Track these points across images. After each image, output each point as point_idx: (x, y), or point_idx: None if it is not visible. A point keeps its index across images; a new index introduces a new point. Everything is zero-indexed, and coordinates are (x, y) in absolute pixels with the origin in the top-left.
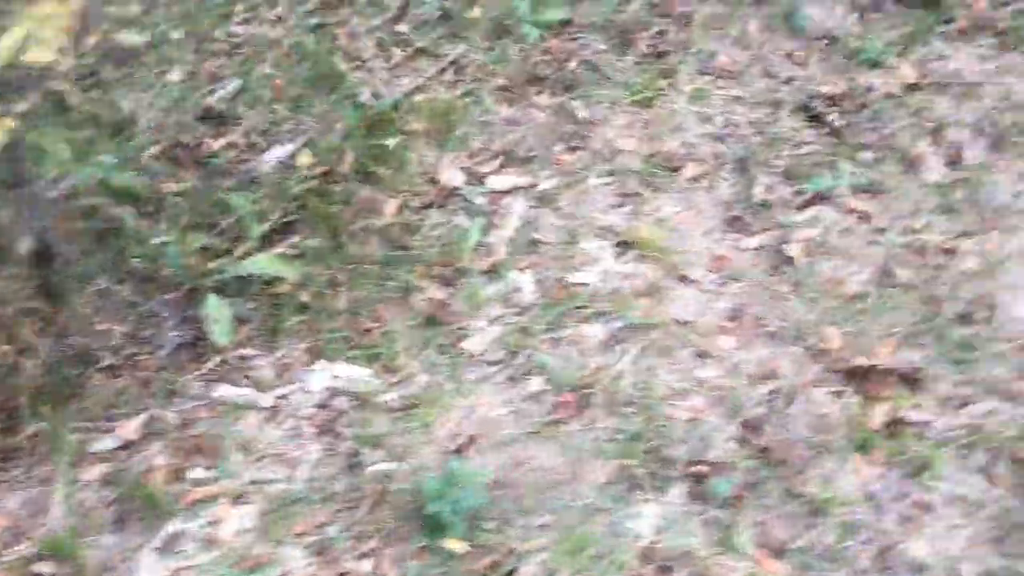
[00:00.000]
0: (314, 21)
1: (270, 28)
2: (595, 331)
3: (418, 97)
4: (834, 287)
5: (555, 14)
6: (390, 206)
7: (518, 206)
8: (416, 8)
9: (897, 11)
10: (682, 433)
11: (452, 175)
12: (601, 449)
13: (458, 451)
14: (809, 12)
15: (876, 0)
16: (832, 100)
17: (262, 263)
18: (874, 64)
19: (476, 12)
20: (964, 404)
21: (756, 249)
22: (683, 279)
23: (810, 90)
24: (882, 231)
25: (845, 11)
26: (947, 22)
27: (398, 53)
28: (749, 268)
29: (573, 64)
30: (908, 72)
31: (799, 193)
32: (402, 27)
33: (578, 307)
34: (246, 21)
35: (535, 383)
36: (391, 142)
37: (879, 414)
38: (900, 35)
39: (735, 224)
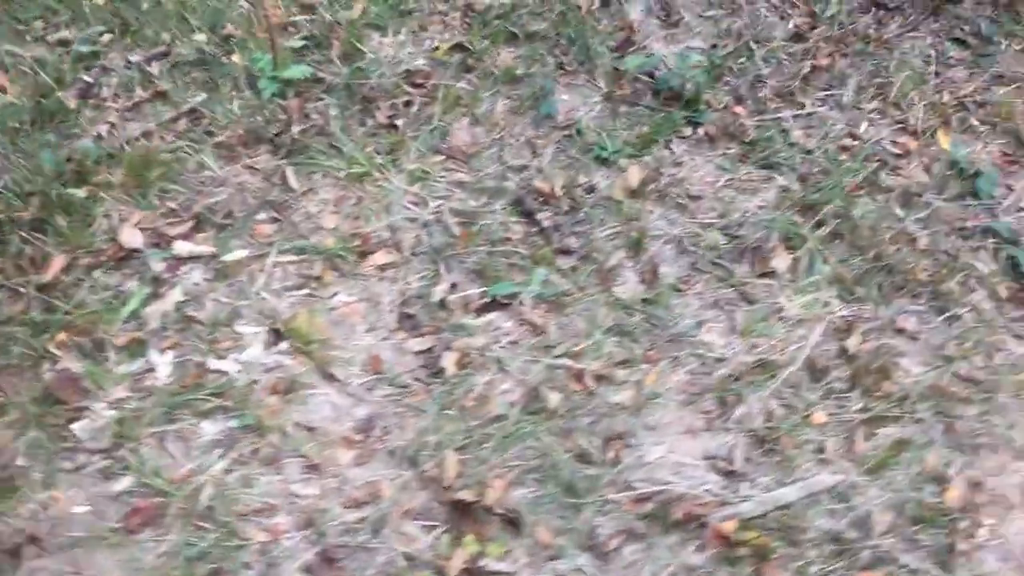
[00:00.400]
0: (87, 49)
1: (47, 50)
2: (209, 428)
3: (132, 145)
4: (478, 406)
5: (298, 71)
6: (56, 263)
7: (192, 277)
8: (180, 48)
9: (654, 107)
10: (252, 557)
11: (133, 235)
12: (162, 567)
13: (15, 551)
14: (561, 98)
15: (635, 93)
16: (549, 197)
17: None
18: (606, 162)
19: (235, 59)
20: (554, 557)
21: (417, 353)
22: (329, 378)
23: (533, 184)
24: (549, 348)
25: (599, 101)
26: (696, 125)
27: (140, 94)
28: (402, 374)
29: (303, 127)
30: (635, 175)
31: (483, 295)
32: (155, 67)
33: (204, 398)
34: (35, 40)
35: (126, 481)
36: (82, 192)
37: (461, 559)
38: (644, 133)
39: (406, 323)
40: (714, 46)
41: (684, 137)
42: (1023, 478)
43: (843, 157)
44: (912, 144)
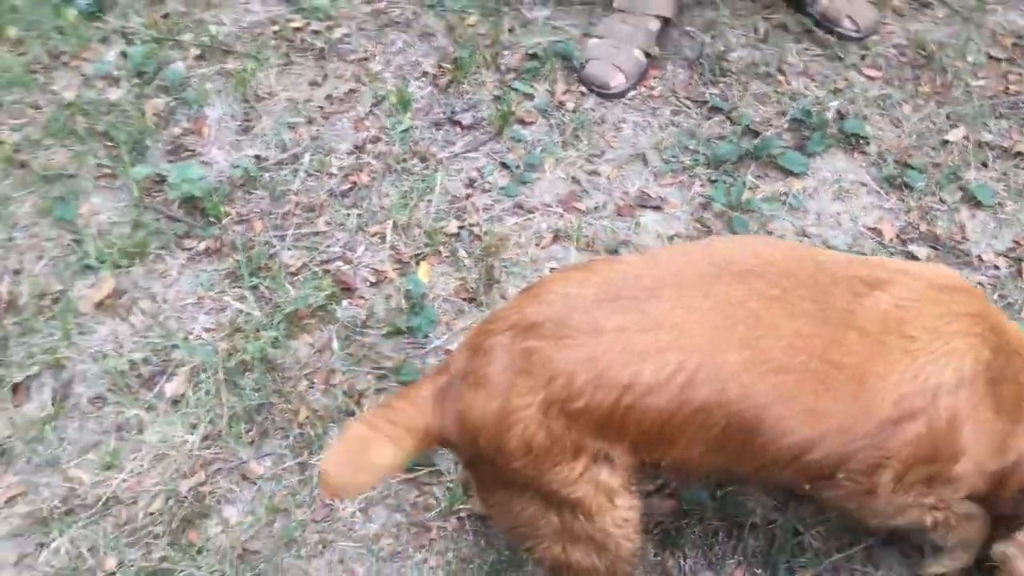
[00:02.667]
0: None
1: None
2: None
3: None
4: None
5: None
6: None
7: None
8: None
9: (177, 216)
10: None
11: None
12: None
13: None
14: (92, 201)
15: (166, 202)
16: (9, 304)
17: None
18: (91, 269)
19: None
20: None
21: None
22: None
23: None
24: None
25: (128, 207)
26: (203, 238)
27: None
28: None
29: None
30: (107, 287)
31: None
32: None
33: None
34: None
35: None
36: None
37: None
38: (139, 242)
39: None
40: (257, 157)
41: (187, 249)
42: None
43: (322, 282)
44: (391, 272)
